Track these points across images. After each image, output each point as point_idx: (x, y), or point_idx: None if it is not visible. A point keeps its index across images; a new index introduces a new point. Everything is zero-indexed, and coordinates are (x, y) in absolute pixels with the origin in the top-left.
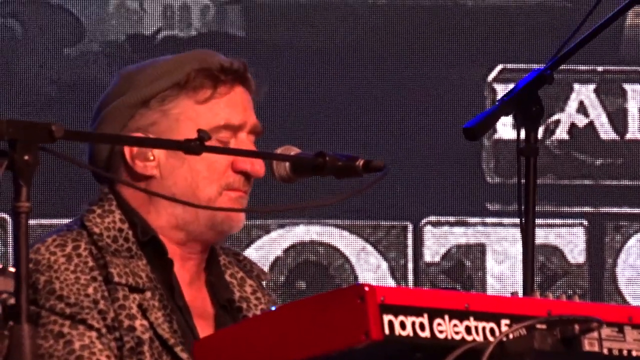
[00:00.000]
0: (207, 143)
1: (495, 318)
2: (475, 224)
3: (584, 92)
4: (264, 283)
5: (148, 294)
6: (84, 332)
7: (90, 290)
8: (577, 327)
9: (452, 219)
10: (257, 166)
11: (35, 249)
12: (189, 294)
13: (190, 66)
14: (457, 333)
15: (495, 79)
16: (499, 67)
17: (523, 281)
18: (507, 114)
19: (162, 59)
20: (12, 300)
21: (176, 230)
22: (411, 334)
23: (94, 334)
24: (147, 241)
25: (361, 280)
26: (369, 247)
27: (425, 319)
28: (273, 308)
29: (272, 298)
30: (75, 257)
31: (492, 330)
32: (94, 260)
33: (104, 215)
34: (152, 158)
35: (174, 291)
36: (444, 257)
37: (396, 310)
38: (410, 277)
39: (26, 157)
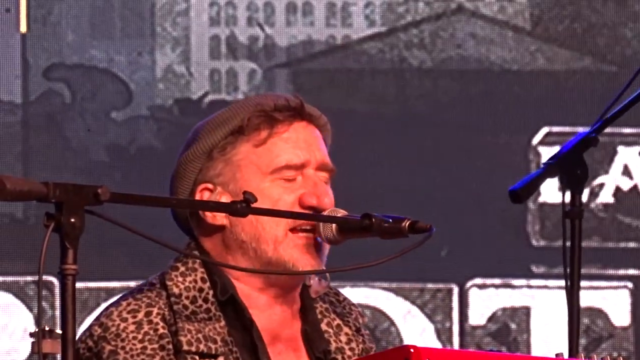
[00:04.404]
0: (273, 181)
1: None
2: (520, 287)
3: (628, 155)
4: (362, 327)
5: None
6: None
7: None
8: None
9: (497, 281)
10: (325, 199)
11: (108, 312)
12: (277, 347)
13: (246, 110)
14: None
15: (541, 142)
16: (544, 130)
17: (568, 343)
18: (552, 177)
19: (224, 109)
20: None
21: (253, 277)
22: None
23: None
24: (226, 300)
25: (407, 342)
26: (415, 310)
27: None
28: None
29: (367, 346)
30: (146, 324)
31: None
32: (167, 327)
33: (187, 274)
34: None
35: (257, 350)
36: (490, 319)
37: None
38: (456, 339)
39: (72, 220)
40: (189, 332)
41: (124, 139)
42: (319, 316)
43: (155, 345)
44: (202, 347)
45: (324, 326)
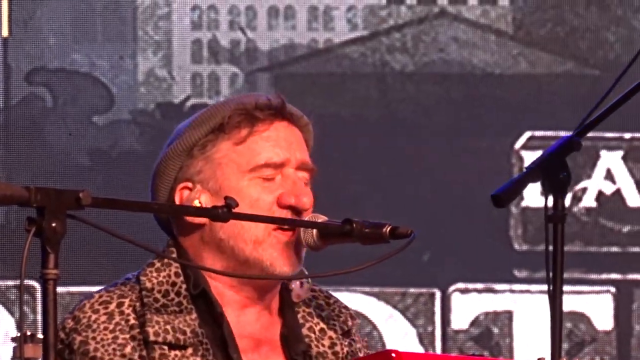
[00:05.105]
0: (252, 180)
1: None
2: (503, 291)
3: (611, 159)
4: (353, 329)
5: (189, 350)
6: None
7: (127, 350)
8: None
9: (480, 285)
10: (303, 199)
11: (80, 305)
12: (250, 346)
13: (227, 109)
14: None
15: (523, 146)
16: (527, 134)
17: (551, 348)
18: (534, 181)
19: (206, 108)
20: None
21: (227, 276)
22: None
23: None
24: (198, 294)
25: (389, 347)
26: (397, 314)
27: None
28: None
29: (354, 348)
30: (117, 315)
31: None
32: (137, 318)
33: (162, 269)
34: (198, 206)
35: (227, 345)
36: (472, 324)
37: None
38: (438, 344)
39: (54, 224)
40: (157, 323)
41: (106, 143)
42: (301, 321)
43: (127, 336)
44: (169, 337)
45: (305, 331)
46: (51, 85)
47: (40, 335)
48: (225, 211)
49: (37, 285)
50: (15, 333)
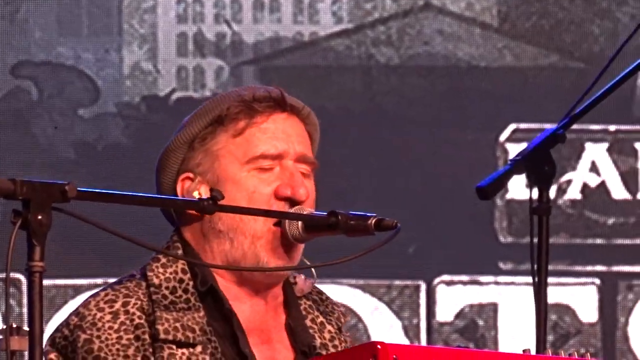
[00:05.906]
0: (249, 171)
1: None
2: (488, 283)
3: (596, 152)
4: (343, 328)
5: (198, 349)
6: None
7: (130, 351)
8: None
9: (465, 278)
10: (300, 190)
11: (86, 302)
12: (259, 339)
13: (226, 101)
14: None
15: (508, 139)
16: (512, 126)
17: (536, 340)
18: (519, 174)
19: (208, 100)
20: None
21: (229, 271)
22: None
23: None
24: (206, 291)
25: (374, 339)
26: (383, 307)
27: None
28: None
29: (348, 345)
30: (122, 314)
31: None
32: (144, 317)
33: (167, 265)
34: (197, 197)
35: (238, 340)
36: (457, 316)
37: None
38: (423, 336)
39: (39, 217)
40: (167, 321)
41: (91, 136)
42: (304, 312)
43: (131, 336)
44: (179, 335)
45: (308, 322)
46: (37, 78)
47: (26, 328)
48: (211, 203)
49: (22, 278)
50: (1, 326)
